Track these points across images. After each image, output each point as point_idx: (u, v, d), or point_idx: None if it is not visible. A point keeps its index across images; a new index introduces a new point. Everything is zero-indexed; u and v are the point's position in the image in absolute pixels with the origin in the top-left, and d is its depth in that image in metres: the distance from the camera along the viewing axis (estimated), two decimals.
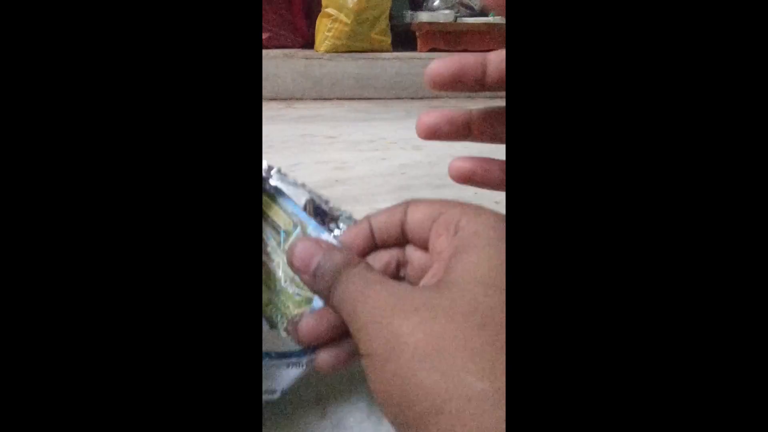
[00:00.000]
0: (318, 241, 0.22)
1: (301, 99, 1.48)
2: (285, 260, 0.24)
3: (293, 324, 0.24)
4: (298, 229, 0.25)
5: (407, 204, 0.23)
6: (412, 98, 1.54)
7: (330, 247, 0.21)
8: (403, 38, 1.66)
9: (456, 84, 0.24)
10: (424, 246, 0.23)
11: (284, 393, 0.25)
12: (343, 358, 0.22)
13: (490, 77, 0.24)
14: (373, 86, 1.52)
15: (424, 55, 1.55)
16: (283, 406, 0.30)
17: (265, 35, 1.56)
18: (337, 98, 1.50)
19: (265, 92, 1.44)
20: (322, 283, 0.21)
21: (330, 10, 1.49)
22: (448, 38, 1.59)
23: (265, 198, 0.26)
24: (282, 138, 1.02)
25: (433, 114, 0.25)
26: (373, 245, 0.24)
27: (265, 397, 0.25)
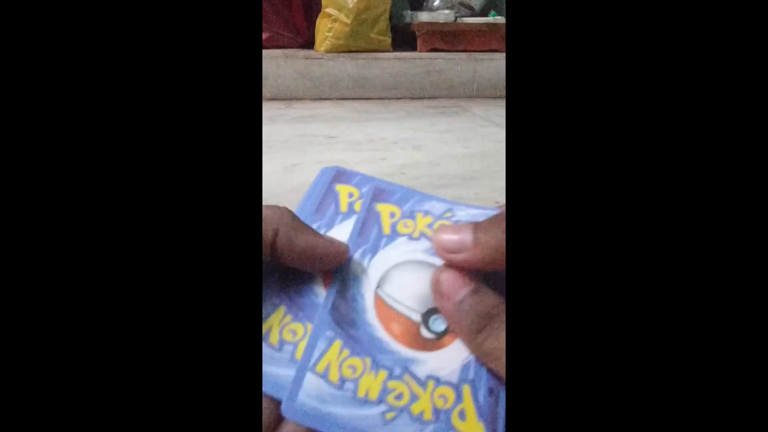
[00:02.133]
0: (464, 275, 0.21)
1: (301, 99, 1.48)
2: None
3: None
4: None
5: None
6: (412, 98, 1.54)
7: (477, 286, 0.21)
8: (403, 38, 1.66)
9: None
10: None
11: None
12: None
13: None
14: (373, 86, 1.52)
15: (424, 55, 1.55)
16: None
17: (265, 35, 1.56)
18: (337, 98, 1.50)
19: (265, 92, 1.44)
20: (466, 321, 0.20)
21: (330, 10, 1.49)
22: (448, 38, 1.60)
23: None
24: (282, 138, 1.02)
25: None
26: None
27: None
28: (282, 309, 0.22)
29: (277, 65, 1.46)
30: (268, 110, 1.31)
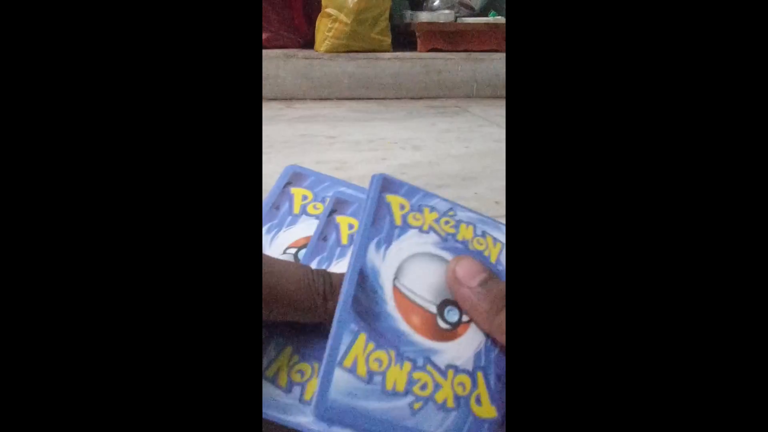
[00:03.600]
0: (478, 264, 0.23)
1: (301, 99, 1.48)
2: None
3: None
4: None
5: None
6: (412, 98, 1.54)
7: (490, 274, 0.22)
8: (403, 38, 1.66)
9: None
10: None
11: None
12: None
13: None
14: (373, 86, 1.52)
15: (424, 55, 1.55)
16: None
17: (265, 35, 1.56)
18: (337, 98, 1.50)
19: (265, 92, 1.44)
20: (484, 304, 0.21)
21: (330, 10, 1.49)
22: (448, 38, 1.60)
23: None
24: (282, 138, 1.02)
25: None
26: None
27: None
28: (289, 349, 0.22)
29: (277, 65, 1.46)
30: (268, 110, 1.31)
